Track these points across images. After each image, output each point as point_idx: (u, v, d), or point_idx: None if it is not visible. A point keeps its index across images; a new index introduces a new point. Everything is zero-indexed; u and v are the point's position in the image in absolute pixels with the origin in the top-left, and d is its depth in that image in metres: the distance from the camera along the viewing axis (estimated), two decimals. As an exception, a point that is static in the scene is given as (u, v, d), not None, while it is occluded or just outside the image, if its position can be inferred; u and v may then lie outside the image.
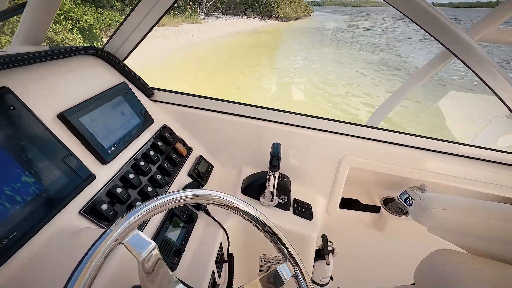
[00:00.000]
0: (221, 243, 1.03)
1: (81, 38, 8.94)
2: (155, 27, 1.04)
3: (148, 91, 1.19)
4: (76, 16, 9.39)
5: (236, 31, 20.66)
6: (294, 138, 1.27)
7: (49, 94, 0.77)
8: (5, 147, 0.60)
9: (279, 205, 1.17)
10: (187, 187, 1.05)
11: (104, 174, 0.83)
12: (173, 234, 0.90)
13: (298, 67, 11.22)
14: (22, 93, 0.69)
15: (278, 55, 13.92)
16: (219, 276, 0.94)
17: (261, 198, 1.15)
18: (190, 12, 20.33)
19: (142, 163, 0.95)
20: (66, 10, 9.12)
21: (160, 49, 11.68)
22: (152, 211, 0.48)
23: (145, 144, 1.04)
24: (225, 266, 1.02)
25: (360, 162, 1.27)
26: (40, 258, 0.59)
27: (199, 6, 22.36)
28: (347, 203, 1.43)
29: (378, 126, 1.28)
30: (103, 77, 0.99)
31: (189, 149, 1.26)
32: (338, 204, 1.38)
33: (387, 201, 1.49)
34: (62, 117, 0.76)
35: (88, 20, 9.98)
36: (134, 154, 0.97)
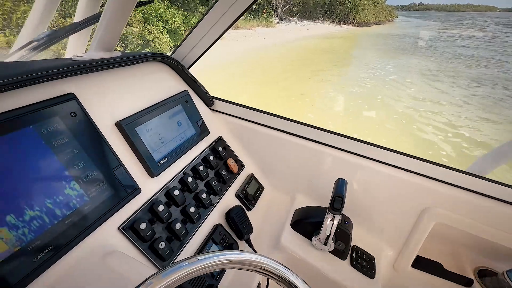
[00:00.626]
0: (259, 282, 0.90)
1: (168, 38, 10.08)
2: (229, 30, 0.98)
3: (209, 100, 1.14)
4: (166, 19, 10.64)
5: (308, 36, 20.31)
6: (364, 173, 1.04)
7: (111, 101, 0.76)
8: (59, 156, 0.60)
9: (334, 252, 0.97)
10: (231, 212, 0.95)
11: (149, 188, 0.79)
12: (209, 266, 0.81)
13: (371, 76, 10.23)
14: (85, 100, 0.69)
15: (349, 62, 13.00)
16: None
17: (313, 238, 0.97)
18: (265, 16, 20.93)
19: (189, 179, 0.89)
20: (160, 13, 10.43)
21: (230, 50, 12.31)
22: (184, 276, 0.38)
23: (196, 157, 0.98)
24: None
25: (452, 218, 0.96)
26: (68, 278, 0.56)
27: (274, 11, 22.85)
28: (424, 264, 1.11)
29: (486, 176, 0.94)
30: (167, 85, 0.97)
31: (241, 166, 1.16)
32: (411, 262, 1.09)
33: (484, 274, 1.11)
34: (120, 126, 0.75)
35: (176, 23, 11.21)
36: (184, 168, 0.91)
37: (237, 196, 1.06)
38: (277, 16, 23.12)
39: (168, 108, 0.91)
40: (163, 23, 10.64)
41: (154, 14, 10.09)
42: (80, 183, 0.62)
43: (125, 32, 8.44)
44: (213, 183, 0.97)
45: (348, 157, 1.06)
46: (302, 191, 1.19)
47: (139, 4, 0.99)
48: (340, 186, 0.89)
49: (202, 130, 1.04)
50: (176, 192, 0.83)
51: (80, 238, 0.59)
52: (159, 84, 0.94)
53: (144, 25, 9.22)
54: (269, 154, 1.18)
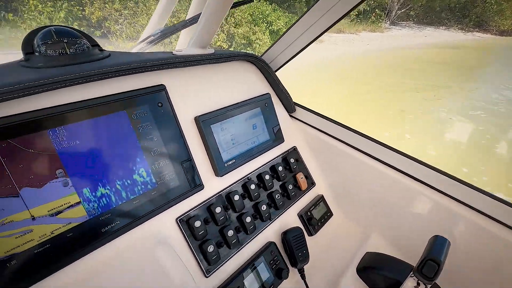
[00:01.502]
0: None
1: (269, 39, 10.56)
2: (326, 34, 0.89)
3: (290, 107, 1.06)
4: (271, 20, 11.14)
5: (425, 43, 17.36)
6: (477, 234, 0.75)
7: (196, 96, 0.78)
8: (140, 141, 0.64)
9: (409, 326, 0.74)
10: (289, 233, 0.85)
11: (212, 187, 0.78)
12: (252, 285, 0.75)
13: (510, 98, 7.72)
14: (173, 92, 0.73)
15: (478, 78, 10.30)
16: None
17: (383, 298, 0.77)
18: (374, 19, 19.13)
19: (252, 186, 0.84)
20: (266, 14, 11.01)
21: (325, 55, 11.77)
22: None
23: (264, 164, 0.93)
24: None
25: None
26: (120, 257, 0.59)
27: (386, 14, 20.58)
28: None
29: None
30: (251, 86, 0.95)
31: (311, 184, 1.04)
32: None
33: None
34: (197, 121, 0.76)
35: (279, 24, 11.62)
36: (249, 173, 0.87)
37: (300, 216, 0.95)
38: (388, 20, 20.77)
39: (247, 110, 0.89)
40: (267, 24, 11.19)
41: (260, 16, 10.73)
42: (148, 171, 0.66)
43: (233, 32, 9.29)
44: (276, 196, 0.89)
45: (455, 207, 0.79)
46: (379, 231, 0.97)
47: (236, 4, 1.00)
48: (438, 247, 0.65)
49: (277, 137, 0.98)
50: (236, 197, 0.80)
51: (139, 221, 0.63)
52: (244, 84, 0.92)
53: (251, 25, 9.93)
54: (347, 177, 1.01)
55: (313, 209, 0.99)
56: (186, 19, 1.07)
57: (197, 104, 0.78)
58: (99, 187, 0.58)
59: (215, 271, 0.71)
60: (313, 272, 0.87)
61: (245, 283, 0.73)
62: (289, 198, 0.95)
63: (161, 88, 0.70)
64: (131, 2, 7.87)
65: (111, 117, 0.61)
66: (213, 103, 0.82)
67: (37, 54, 0.59)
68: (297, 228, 0.88)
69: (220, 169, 0.79)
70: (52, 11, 7.01)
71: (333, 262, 0.91)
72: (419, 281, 0.65)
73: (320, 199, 1.03)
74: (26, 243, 0.49)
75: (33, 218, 0.50)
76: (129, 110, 0.63)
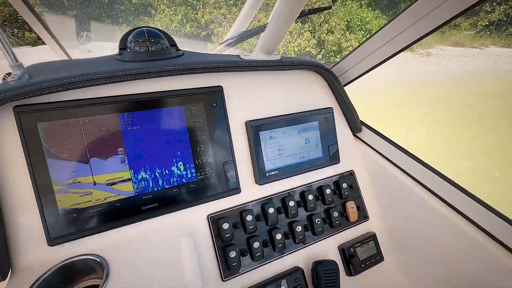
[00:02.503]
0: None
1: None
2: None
3: (356, 126, 0.94)
4: (370, 28, 10.31)
5: None
6: None
7: (252, 101, 0.79)
8: (190, 135, 0.69)
9: None
10: (322, 264, 0.76)
11: (250, 193, 0.78)
12: (267, 306, 0.70)
13: None
14: (230, 94, 0.75)
15: None
16: None
17: None
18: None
19: (291, 203, 0.79)
20: (365, 22, 10.25)
21: (431, 69, 9.98)
22: None
23: (311, 183, 0.85)
24: None
25: None
26: (151, 235, 0.65)
27: (533, 26, 15.98)
28: None
29: None
30: (313, 97, 0.89)
31: (364, 217, 0.90)
32: None
33: None
34: (247, 125, 0.77)
35: (378, 33, 10.63)
36: (291, 189, 0.82)
37: (341, 250, 0.84)
38: (534, 34, 16.05)
39: (302, 122, 0.84)
40: (365, 32, 10.41)
41: (358, 23, 10.07)
42: (192, 165, 0.70)
43: (324, 38, 9.05)
44: (317, 220, 0.81)
45: None
46: None
47: (311, 12, 0.95)
48: None
49: (332, 157, 0.89)
50: (271, 210, 0.76)
51: (175, 209, 0.68)
52: (306, 94, 0.87)
53: (345, 33, 9.45)
54: (410, 221, 0.83)
55: (359, 246, 0.86)
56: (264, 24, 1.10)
57: (251, 108, 0.78)
58: (147, 170, 0.65)
59: (232, 277, 0.70)
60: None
61: (261, 302, 0.70)
62: (332, 226, 0.85)
63: (218, 90, 0.73)
64: (235, 7, 8.68)
65: (169, 110, 0.67)
66: (267, 110, 0.80)
67: (128, 50, 0.71)
68: (333, 262, 0.77)
69: (260, 177, 0.77)
70: (172, 14, 8.45)
71: None
72: None
73: (371, 237, 0.88)
74: (85, 202, 0.60)
75: (94, 184, 0.61)
76: (186, 106, 0.69)
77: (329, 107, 0.89)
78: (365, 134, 0.96)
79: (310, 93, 0.88)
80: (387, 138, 0.91)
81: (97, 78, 0.57)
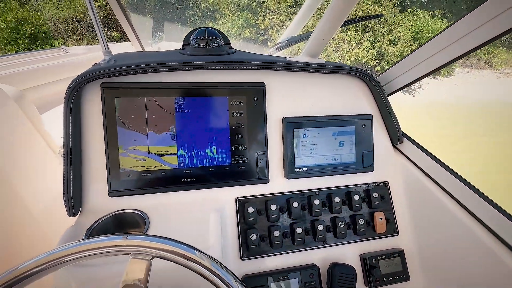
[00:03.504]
0: None
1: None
2: None
3: (396, 137, 0.91)
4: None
5: None
6: None
7: (292, 99, 0.84)
8: (230, 123, 0.78)
9: None
10: (339, 266, 0.76)
11: (277, 185, 0.82)
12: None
13: None
14: (272, 91, 0.82)
15: None
16: None
17: None
18: None
19: (316, 202, 0.81)
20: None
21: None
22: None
23: (340, 187, 0.86)
24: None
25: None
26: (187, 204, 0.75)
27: None
28: None
29: None
30: (353, 103, 0.89)
31: (393, 231, 0.87)
32: None
33: None
34: (283, 121, 0.82)
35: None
36: (319, 188, 0.84)
37: (362, 258, 0.83)
38: None
39: (338, 125, 0.85)
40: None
41: (428, 35, 9.20)
42: (229, 150, 0.78)
43: (385, 50, 8.51)
44: (340, 223, 0.82)
45: None
46: None
47: (362, 19, 0.95)
48: None
49: (365, 164, 0.88)
50: (296, 204, 0.80)
51: (209, 186, 0.77)
52: (346, 99, 0.89)
53: (410, 45, 8.73)
54: (446, 244, 0.77)
55: (383, 259, 0.83)
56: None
57: (289, 106, 0.83)
58: (191, 148, 0.76)
59: (250, 259, 0.75)
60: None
61: (270, 286, 0.73)
62: (356, 233, 0.84)
63: (261, 86, 0.80)
64: (295, 14, 8.80)
65: (216, 99, 0.77)
66: (305, 110, 0.84)
67: (190, 46, 0.83)
68: (352, 267, 0.77)
69: (289, 172, 0.82)
70: (234, 19, 8.97)
71: None
72: None
73: (398, 253, 0.84)
74: (140, 166, 0.73)
75: (148, 153, 0.73)
76: (230, 97, 0.78)
77: (368, 114, 0.88)
78: (406, 146, 0.92)
79: (351, 99, 0.89)
80: (430, 152, 0.86)
81: (162, 66, 0.69)
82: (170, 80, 0.74)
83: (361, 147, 0.88)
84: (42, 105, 2.26)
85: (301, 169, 0.83)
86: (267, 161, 0.81)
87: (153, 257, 0.37)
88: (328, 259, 0.80)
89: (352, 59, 8.15)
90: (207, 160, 0.77)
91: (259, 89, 0.80)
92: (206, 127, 0.77)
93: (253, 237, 0.75)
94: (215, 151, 0.78)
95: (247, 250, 0.75)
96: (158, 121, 0.73)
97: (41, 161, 1.89)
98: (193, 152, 0.76)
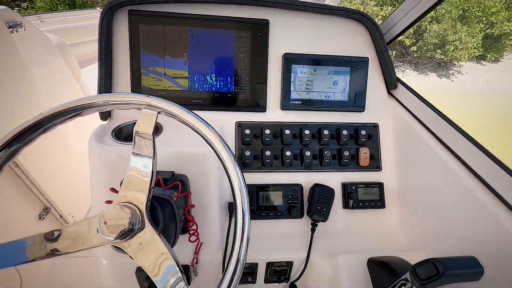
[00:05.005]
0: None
1: (475, 44, 8.09)
2: None
3: (391, 82, 0.96)
4: (494, 21, 8.34)
5: None
6: None
7: (293, 37, 0.91)
8: (236, 55, 0.88)
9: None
10: (320, 186, 0.87)
11: (273, 115, 0.93)
12: (264, 200, 0.88)
13: None
14: (275, 28, 0.90)
15: None
16: None
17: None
18: None
19: (307, 131, 0.92)
20: (489, 13, 8.32)
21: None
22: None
23: (331, 123, 0.95)
24: None
25: None
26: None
27: None
28: None
29: None
30: (352, 45, 0.95)
31: (376, 167, 0.95)
32: None
33: None
34: (283, 57, 0.91)
35: (505, 28, 8.53)
36: (311, 122, 0.94)
37: (343, 185, 0.93)
38: None
39: (335, 65, 0.92)
40: (485, 26, 8.51)
41: (478, 14, 8.27)
42: (232, 79, 0.89)
43: (425, 28, 7.82)
44: (326, 152, 0.92)
45: None
46: (427, 253, 0.78)
47: None
48: (461, 261, 0.51)
49: (357, 104, 0.95)
50: (287, 132, 0.91)
51: (215, 108, 0.90)
52: (345, 41, 0.94)
53: (455, 24, 7.93)
54: (427, 184, 0.83)
55: (362, 187, 0.93)
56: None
57: (291, 44, 0.91)
58: (200, 74, 0.88)
59: (242, 172, 0.89)
60: (324, 238, 0.87)
61: (259, 194, 0.88)
62: (340, 164, 0.93)
63: (265, 22, 0.88)
64: None
65: (224, 32, 0.87)
66: (305, 48, 0.92)
67: None
68: (332, 189, 0.88)
69: (285, 103, 0.92)
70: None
71: (349, 243, 0.86)
72: (411, 281, 0.56)
73: (377, 185, 0.93)
74: (157, 85, 0.87)
75: (165, 74, 0.87)
76: (237, 31, 0.88)
77: (365, 57, 0.94)
78: (399, 92, 0.97)
79: (350, 41, 0.95)
80: (424, 98, 0.91)
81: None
82: (185, 12, 0.86)
83: (354, 87, 0.95)
84: (82, 61, 2.51)
85: (296, 102, 0.93)
86: (266, 92, 0.92)
87: (159, 112, 0.51)
88: (312, 181, 0.92)
89: (386, 36, 7.62)
90: (213, 86, 0.89)
91: (263, 25, 0.89)
92: (214, 56, 0.88)
93: (247, 153, 0.88)
94: (220, 79, 0.90)
95: (242, 164, 0.89)
96: (174, 47, 0.86)
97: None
98: (201, 78, 0.89)
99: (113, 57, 0.86)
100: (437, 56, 8.52)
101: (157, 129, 0.85)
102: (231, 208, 0.85)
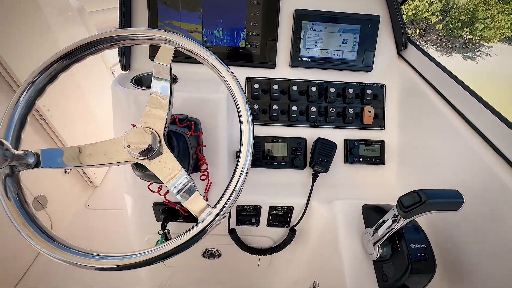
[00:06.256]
0: None
1: (510, 23, 7.47)
2: None
3: (401, 42, 0.97)
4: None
5: None
6: None
7: None
8: (248, 10, 0.91)
9: (376, 265, 0.72)
10: (322, 140, 0.92)
11: (282, 71, 0.97)
12: (270, 151, 0.94)
13: None
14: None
15: None
16: None
17: (367, 229, 0.75)
18: None
19: (313, 88, 0.95)
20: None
21: None
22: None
23: (336, 82, 0.98)
24: None
25: None
26: (202, 76, 0.94)
27: None
28: None
29: None
30: (366, 3, 0.95)
31: (379, 126, 0.99)
32: None
33: None
34: (294, 13, 0.92)
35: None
36: (318, 80, 0.97)
37: (345, 141, 0.98)
38: None
39: (345, 22, 0.93)
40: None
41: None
42: (244, 34, 0.93)
43: (452, 4, 7.26)
44: (331, 109, 0.96)
45: None
46: None
47: None
48: (444, 193, 0.56)
49: (365, 63, 0.97)
50: (295, 88, 0.95)
51: (225, 63, 0.94)
52: None
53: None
54: (434, 144, 0.83)
55: (363, 144, 0.97)
56: None
57: (305, 1, 0.92)
58: (214, 28, 0.92)
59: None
60: (323, 188, 0.94)
61: (266, 145, 0.94)
62: (344, 121, 0.97)
63: None
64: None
65: (236, -14, 0.89)
66: (316, 3, 0.93)
67: None
68: (334, 143, 0.93)
69: (293, 60, 0.95)
70: None
71: (347, 193, 0.92)
72: (397, 216, 0.62)
73: (379, 142, 0.97)
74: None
75: (180, 27, 0.92)
76: (250, -14, 0.90)
77: (376, 15, 0.94)
78: (409, 53, 0.98)
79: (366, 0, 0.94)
80: (435, 59, 0.91)
81: None
82: (200, -35, 0.88)
83: (364, 46, 0.96)
84: (101, 29, 2.57)
85: (304, 59, 0.96)
86: (276, 48, 0.95)
87: (176, 48, 0.57)
88: (316, 136, 0.97)
89: (410, 13, 7.17)
90: (225, 40, 0.93)
91: (276, -20, 0.90)
92: (227, 11, 0.91)
93: (256, 106, 0.94)
94: (232, 34, 0.93)
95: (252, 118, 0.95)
96: (189, 1, 0.90)
97: (98, 74, 2.24)
98: (215, 32, 0.93)
99: (132, 10, 0.91)
100: (464, 35, 7.97)
101: (174, 80, 0.91)
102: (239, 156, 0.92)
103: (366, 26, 0.94)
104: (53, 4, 1.70)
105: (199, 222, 0.48)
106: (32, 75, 0.51)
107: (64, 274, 1.53)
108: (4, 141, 0.42)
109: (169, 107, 0.55)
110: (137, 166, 0.61)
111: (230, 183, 0.50)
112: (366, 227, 0.78)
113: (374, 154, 0.97)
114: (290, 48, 0.96)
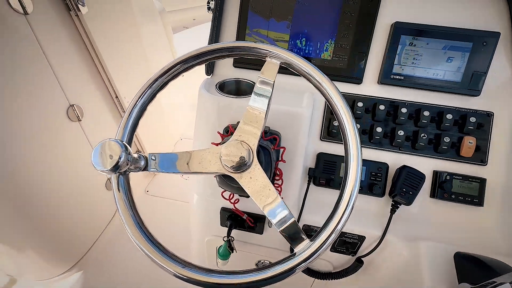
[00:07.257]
0: None
1: None
2: None
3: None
4: None
5: None
6: None
7: (408, 4, 0.83)
8: (340, 20, 0.85)
9: None
10: (408, 167, 0.82)
11: (368, 88, 0.89)
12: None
13: None
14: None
15: None
16: None
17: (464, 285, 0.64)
18: None
19: (403, 110, 0.86)
20: None
21: None
22: None
23: (432, 105, 0.86)
24: None
25: None
26: (283, 86, 0.91)
27: None
28: None
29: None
30: (482, 17, 0.81)
31: (480, 161, 0.84)
32: None
33: None
34: (393, 26, 0.84)
35: None
36: (409, 101, 0.87)
37: (434, 173, 0.86)
38: None
39: (454, 38, 0.81)
40: None
41: None
42: (332, 47, 0.87)
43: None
44: (422, 135, 0.85)
45: None
46: None
47: None
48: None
49: (471, 86, 0.83)
50: (382, 107, 0.86)
51: None
52: (470, 10, 0.81)
53: None
54: None
55: (458, 179, 0.84)
56: None
57: (404, 11, 0.83)
58: (301, 39, 0.88)
59: (326, 141, 0.89)
60: (403, 222, 0.83)
61: (341, 165, 0.88)
62: (436, 150, 0.86)
63: None
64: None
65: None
66: (419, 16, 0.83)
67: None
68: (423, 174, 0.82)
69: (384, 76, 0.87)
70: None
71: (433, 233, 0.80)
72: None
73: (479, 180, 0.83)
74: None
75: (267, 36, 0.90)
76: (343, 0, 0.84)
77: (496, 32, 0.80)
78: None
79: (477, 10, 0.81)
80: None
81: None
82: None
83: (473, 67, 0.83)
84: (175, 27, 2.77)
85: (397, 77, 0.86)
86: (365, 63, 0.88)
87: (282, 62, 0.54)
88: (399, 163, 0.87)
89: None
90: (307, 51, 0.89)
91: (379, -10, 0.83)
92: (317, 21, 0.87)
93: (335, 123, 0.88)
94: (319, 45, 0.89)
95: (327, 134, 0.89)
96: (279, 10, 0.88)
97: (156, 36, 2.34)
98: (297, 42, 0.89)
99: (223, 16, 0.93)
100: None
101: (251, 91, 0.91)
102: (311, 173, 0.88)
103: (480, 44, 0.81)
104: (141, 5, 1.87)
105: (295, 253, 0.45)
106: (151, 79, 0.54)
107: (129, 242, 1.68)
108: (128, 146, 0.44)
109: (264, 123, 0.54)
110: (224, 177, 0.61)
111: (332, 217, 0.46)
112: (460, 281, 0.67)
113: (471, 193, 0.83)
114: (381, 63, 0.87)
